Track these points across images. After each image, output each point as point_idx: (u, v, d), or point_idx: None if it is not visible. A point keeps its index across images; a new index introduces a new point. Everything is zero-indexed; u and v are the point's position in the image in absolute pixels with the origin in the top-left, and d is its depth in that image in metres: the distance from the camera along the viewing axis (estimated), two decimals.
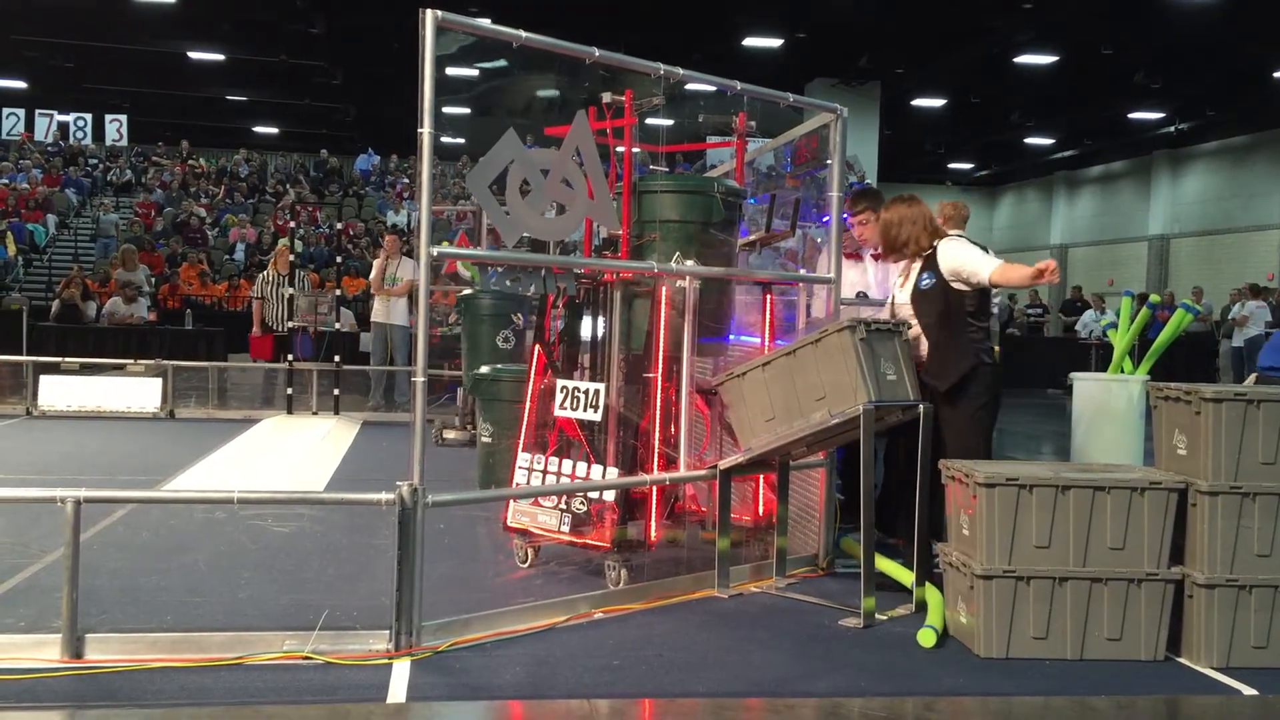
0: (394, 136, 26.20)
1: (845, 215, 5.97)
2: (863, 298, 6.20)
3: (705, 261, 5.10)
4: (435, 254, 4.11)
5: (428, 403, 4.11)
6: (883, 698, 3.71)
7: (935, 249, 5.15)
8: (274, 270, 12.30)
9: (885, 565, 5.04)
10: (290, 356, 11.58)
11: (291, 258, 13.26)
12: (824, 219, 5.80)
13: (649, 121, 5.54)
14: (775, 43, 20.17)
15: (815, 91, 20.79)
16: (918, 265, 5.22)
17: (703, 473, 5.13)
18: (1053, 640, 4.16)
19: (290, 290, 12.47)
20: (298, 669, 3.78)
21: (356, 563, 5.33)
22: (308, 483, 7.50)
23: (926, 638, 4.29)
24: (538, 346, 5.44)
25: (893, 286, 5.56)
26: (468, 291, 7.26)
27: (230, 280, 20.37)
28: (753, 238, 6.05)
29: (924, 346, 5.14)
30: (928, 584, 4.73)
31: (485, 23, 4.24)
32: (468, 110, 22.95)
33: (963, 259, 5.07)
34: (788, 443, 4.87)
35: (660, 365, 5.05)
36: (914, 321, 5.15)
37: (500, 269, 5.08)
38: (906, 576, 4.89)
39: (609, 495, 4.89)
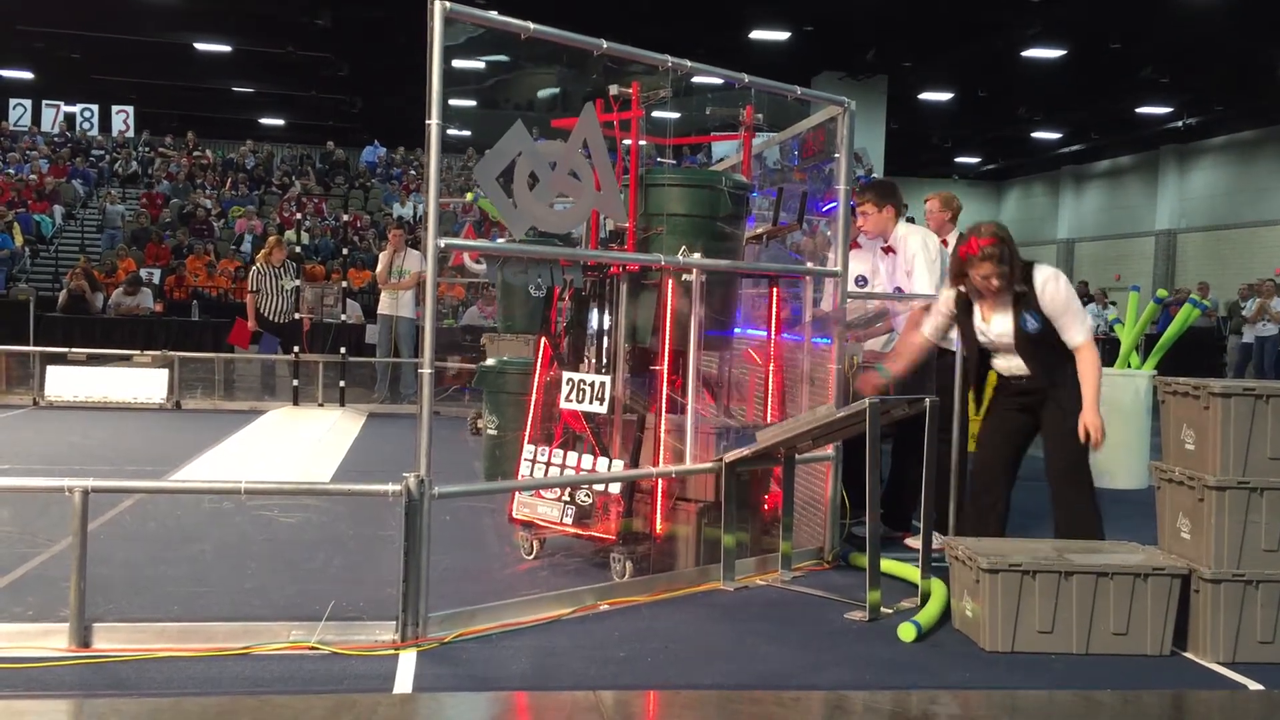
0: (400, 129, 26.20)
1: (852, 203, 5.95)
2: (861, 283, 6.18)
3: (711, 254, 5.10)
4: (442, 246, 4.12)
5: (435, 395, 4.11)
6: (888, 691, 3.71)
7: (1032, 287, 4.73)
8: (266, 264, 12.21)
9: (891, 567, 5.03)
10: (297, 348, 11.61)
11: (298, 249, 13.21)
12: (829, 207, 5.78)
13: (656, 114, 5.54)
14: (782, 36, 20.14)
15: (822, 85, 20.73)
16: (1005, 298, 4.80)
17: (708, 465, 5.13)
18: (1058, 634, 4.16)
19: (296, 282, 12.46)
20: (304, 659, 3.79)
21: (363, 554, 5.34)
22: (314, 474, 7.51)
23: (906, 632, 4.26)
24: (544, 339, 5.44)
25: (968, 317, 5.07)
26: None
27: (236, 272, 20.36)
28: (759, 230, 6.05)
29: (1012, 361, 4.91)
30: (934, 579, 4.73)
31: (493, 15, 4.24)
32: (474, 103, 22.94)
33: (1068, 311, 4.72)
34: (794, 436, 4.87)
35: (666, 358, 5.05)
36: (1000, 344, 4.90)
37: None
38: (913, 574, 4.89)
39: (614, 488, 4.90)
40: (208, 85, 26.66)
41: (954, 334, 5.85)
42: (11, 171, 23.88)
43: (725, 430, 5.23)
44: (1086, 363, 4.73)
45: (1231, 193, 27.40)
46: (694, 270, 5.04)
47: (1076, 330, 4.76)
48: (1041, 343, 4.78)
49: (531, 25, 4.30)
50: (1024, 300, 4.77)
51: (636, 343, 5.18)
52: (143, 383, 11.51)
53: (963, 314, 5.01)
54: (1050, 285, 4.75)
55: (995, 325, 4.88)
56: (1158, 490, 4.51)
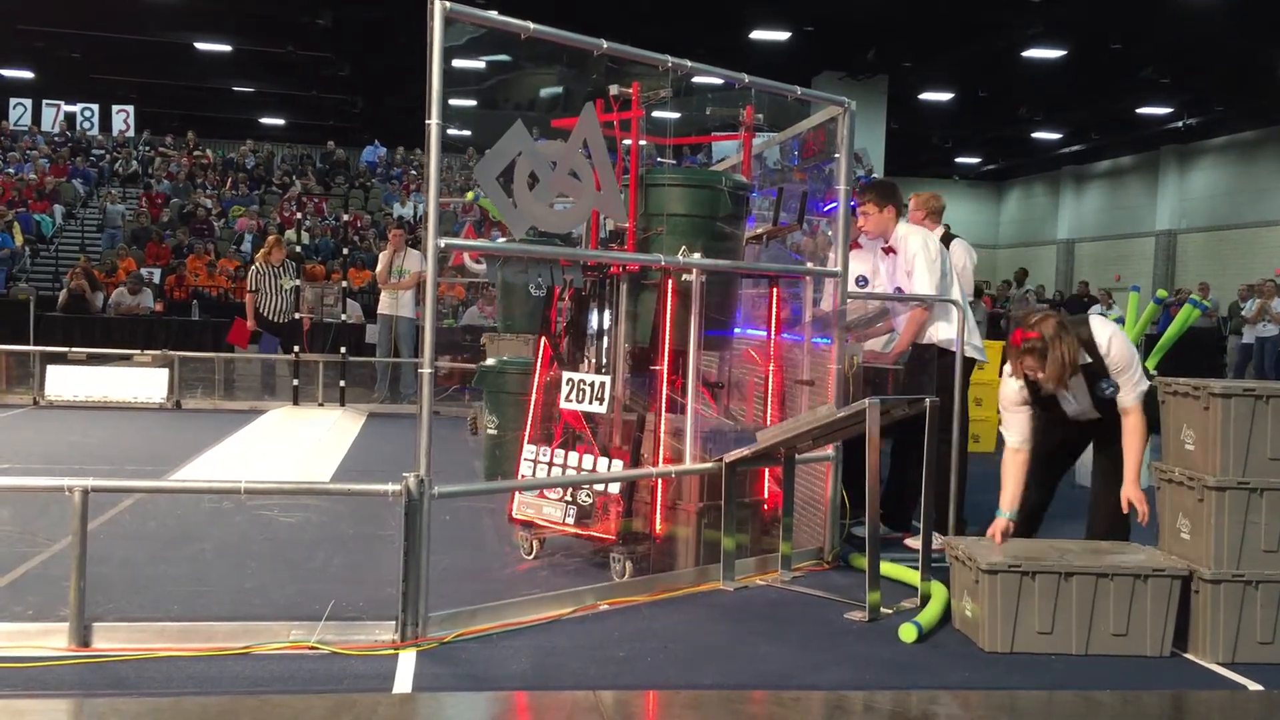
0: (401, 129, 26.19)
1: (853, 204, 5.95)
2: (862, 283, 6.18)
3: (711, 254, 5.10)
4: (442, 246, 4.12)
5: (435, 395, 4.11)
6: (888, 691, 3.71)
7: (1097, 352, 4.69)
8: (265, 263, 12.17)
9: (891, 570, 5.03)
10: (297, 348, 11.60)
11: (298, 249, 13.18)
12: (830, 207, 5.79)
13: (656, 114, 5.53)
14: (783, 36, 20.13)
15: (822, 85, 20.71)
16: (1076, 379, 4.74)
17: (708, 465, 5.13)
18: (1058, 635, 4.16)
19: (295, 282, 12.45)
20: (304, 659, 3.79)
21: (363, 553, 5.34)
22: (314, 474, 7.51)
23: (907, 633, 4.27)
24: (544, 339, 5.44)
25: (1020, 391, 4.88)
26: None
27: (236, 271, 20.35)
28: (759, 230, 6.05)
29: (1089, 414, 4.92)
30: (934, 581, 4.74)
31: (493, 15, 4.24)
32: (474, 103, 22.92)
33: (1129, 368, 4.70)
34: (794, 436, 4.87)
35: (666, 358, 5.05)
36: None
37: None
38: (913, 577, 4.89)
39: (614, 488, 4.90)
40: (208, 85, 26.63)
41: (952, 334, 5.86)
42: (11, 171, 23.86)
43: (715, 433, 5.23)
44: (1132, 430, 4.71)
45: (1232, 193, 27.37)
46: (694, 270, 5.04)
47: (1130, 392, 4.73)
48: (1113, 404, 4.79)
49: (531, 25, 4.30)
50: (1094, 370, 4.72)
51: (636, 343, 5.18)
52: (143, 382, 11.51)
53: (1041, 397, 4.84)
54: (1115, 341, 4.73)
55: (1076, 403, 4.87)
56: (1158, 490, 4.51)
